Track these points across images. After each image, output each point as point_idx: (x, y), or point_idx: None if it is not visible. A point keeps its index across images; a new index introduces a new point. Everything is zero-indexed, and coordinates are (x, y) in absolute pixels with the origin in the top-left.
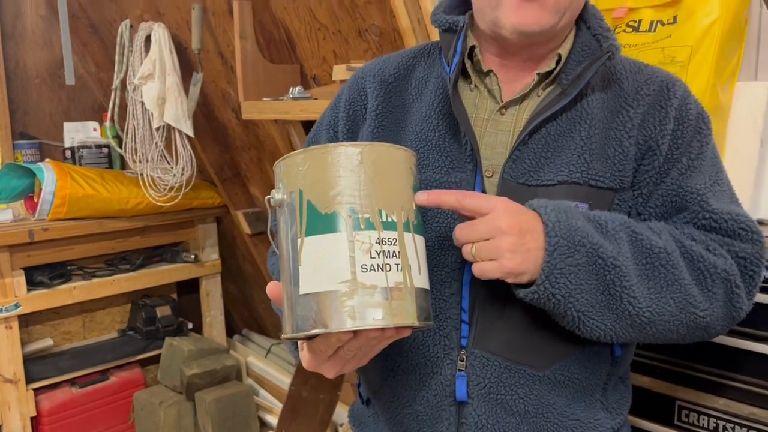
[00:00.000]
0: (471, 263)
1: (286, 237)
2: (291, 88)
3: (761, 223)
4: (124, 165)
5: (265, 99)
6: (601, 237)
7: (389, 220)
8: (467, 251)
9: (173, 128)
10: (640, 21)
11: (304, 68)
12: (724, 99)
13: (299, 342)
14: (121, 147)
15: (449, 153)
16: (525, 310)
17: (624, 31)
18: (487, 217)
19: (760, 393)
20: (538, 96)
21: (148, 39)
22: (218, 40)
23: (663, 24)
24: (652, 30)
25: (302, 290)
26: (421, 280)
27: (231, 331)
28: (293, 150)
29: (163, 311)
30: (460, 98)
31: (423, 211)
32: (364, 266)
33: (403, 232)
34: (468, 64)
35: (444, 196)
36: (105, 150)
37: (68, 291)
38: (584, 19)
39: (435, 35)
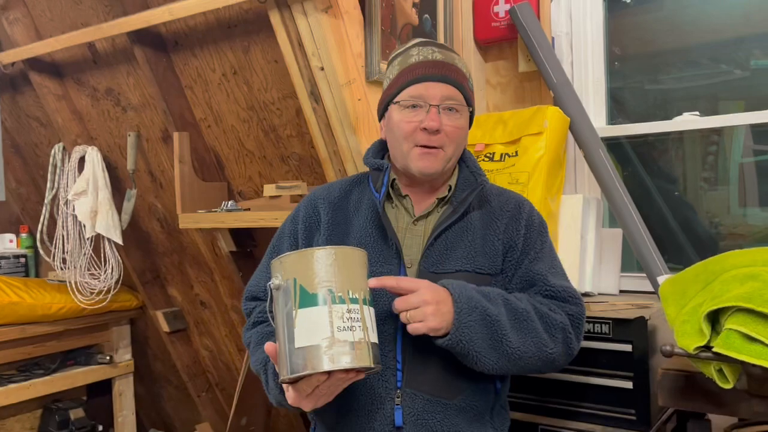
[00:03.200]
0: (404, 328)
1: (282, 310)
2: (224, 202)
3: (585, 294)
4: (38, 273)
5: (200, 211)
6: (487, 303)
7: (354, 296)
8: (404, 317)
9: (102, 237)
10: (493, 153)
11: (232, 185)
12: (554, 207)
13: (284, 385)
14: (36, 257)
15: (381, 252)
16: (437, 361)
17: (483, 159)
18: (416, 293)
19: (597, 414)
20: (438, 212)
21: (81, 160)
22: (150, 161)
23: (509, 156)
24: (502, 160)
25: (297, 345)
26: (374, 337)
27: (139, 431)
28: (216, 253)
29: (77, 414)
30: (387, 214)
31: (373, 293)
32: (338, 327)
33: (362, 305)
34: (390, 191)
35: (386, 281)
36: (22, 260)
37: None
38: (464, 161)
39: (348, 163)
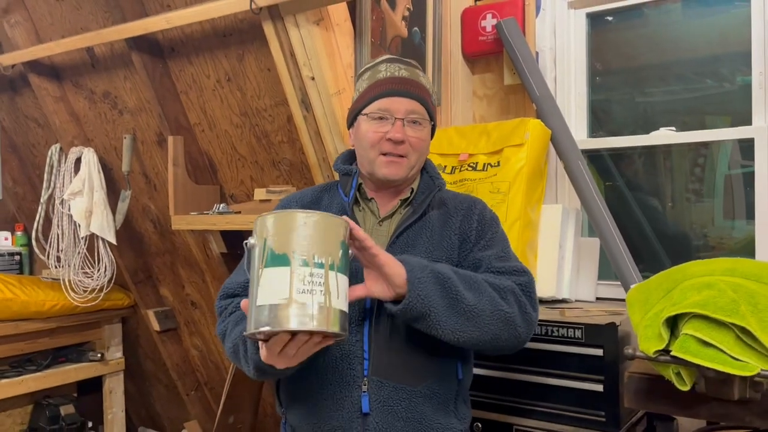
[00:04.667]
0: (371, 318)
1: (253, 268)
2: (216, 205)
3: (562, 300)
4: (32, 271)
5: (192, 213)
6: (436, 266)
7: (319, 261)
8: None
9: (96, 237)
10: (476, 163)
11: (224, 189)
12: (534, 217)
13: (260, 343)
14: (30, 255)
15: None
16: (403, 350)
17: (466, 169)
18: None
19: (569, 415)
20: (401, 213)
21: (77, 160)
22: (145, 163)
23: (492, 166)
24: (485, 170)
25: (258, 302)
26: (339, 304)
27: (128, 429)
28: (207, 254)
29: (67, 410)
30: (355, 216)
31: (349, 264)
32: (298, 289)
33: (328, 271)
34: (357, 194)
35: (358, 232)
36: (17, 257)
37: None
38: (426, 168)
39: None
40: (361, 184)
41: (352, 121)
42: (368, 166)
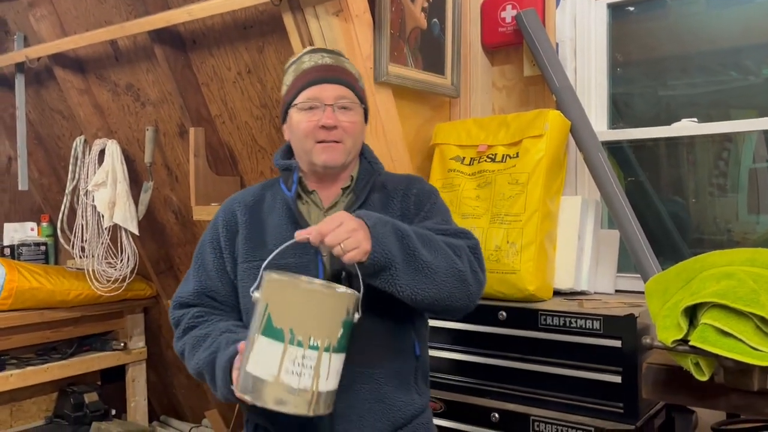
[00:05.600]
0: None
1: (253, 324)
2: None
3: (582, 292)
4: (57, 261)
5: (213, 204)
6: (396, 222)
7: (314, 343)
8: (338, 250)
9: (119, 227)
10: (495, 154)
11: (244, 180)
12: (553, 208)
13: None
14: (56, 245)
15: (297, 245)
16: (361, 333)
17: (485, 160)
18: (342, 225)
19: (586, 407)
20: (344, 201)
21: (101, 152)
22: (166, 155)
23: (510, 157)
24: (504, 161)
25: (247, 368)
26: (328, 385)
27: (150, 417)
28: None
29: (91, 397)
30: (299, 209)
31: (347, 333)
32: (287, 370)
33: (322, 353)
34: (299, 188)
35: (306, 233)
36: (43, 248)
37: (5, 378)
38: (364, 154)
39: None
40: (301, 177)
41: (284, 115)
42: (305, 156)
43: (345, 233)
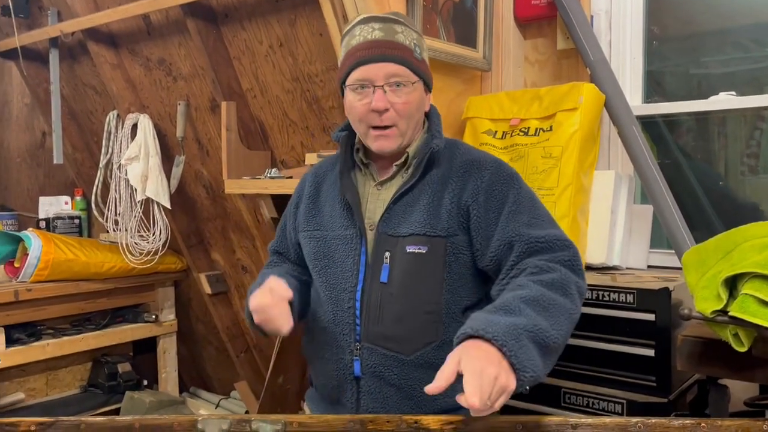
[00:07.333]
0: (364, 284)
1: None
2: (267, 170)
3: (614, 267)
4: (90, 234)
5: (244, 178)
6: (515, 318)
7: None
8: (485, 404)
9: (152, 201)
10: (528, 128)
11: (275, 154)
12: (586, 182)
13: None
14: (89, 218)
15: (345, 216)
16: (393, 320)
17: (518, 134)
18: (480, 374)
19: (618, 380)
20: (402, 177)
21: (133, 127)
22: (198, 129)
23: (544, 131)
24: (537, 135)
25: None
26: None
27: (180, 389)
28: (258, 219)
29: (124, 368)
30: (356, 179)
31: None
32: None
33: None
34: (358, 159)
35: (445, 376)
36: (77, 221)
37: (42, 348)
38: (430, 125)
39: None
40: (359, 149)
41: (341, 91)
42: (362, 137)
43: (488, 383)
